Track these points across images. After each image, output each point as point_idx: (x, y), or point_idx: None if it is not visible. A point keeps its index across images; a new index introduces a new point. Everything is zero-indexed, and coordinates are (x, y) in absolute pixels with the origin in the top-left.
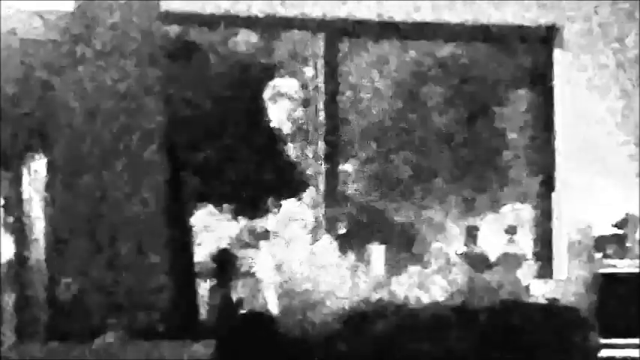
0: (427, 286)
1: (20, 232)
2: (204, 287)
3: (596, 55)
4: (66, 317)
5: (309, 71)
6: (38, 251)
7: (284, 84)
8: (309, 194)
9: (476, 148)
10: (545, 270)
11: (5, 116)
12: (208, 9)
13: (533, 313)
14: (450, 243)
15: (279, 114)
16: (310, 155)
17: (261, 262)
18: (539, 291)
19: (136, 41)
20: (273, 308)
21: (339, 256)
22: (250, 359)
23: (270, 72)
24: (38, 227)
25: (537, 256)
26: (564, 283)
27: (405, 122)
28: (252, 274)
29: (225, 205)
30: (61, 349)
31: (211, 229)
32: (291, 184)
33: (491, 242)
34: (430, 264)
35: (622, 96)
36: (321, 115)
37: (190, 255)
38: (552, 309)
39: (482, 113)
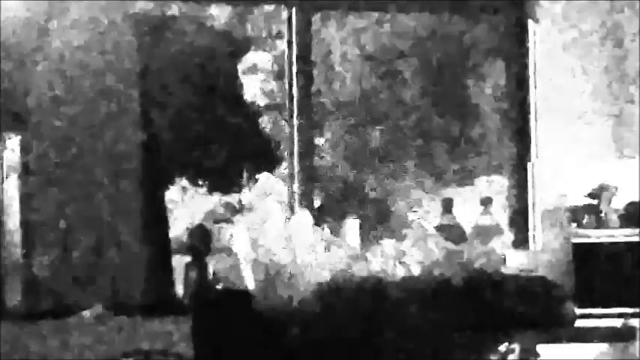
0: (403, 259)
1: None
2: (179, 263)
3: (572, 25)
4: (42, 295)
5: (282, 45)
6: (13, 229)
7: (257, 58)
8: (283, 168)
9: (450, 120)
10: (521, 241)
11: None
12: None
13: (509, 284)
14: (425, 216)
15: (253, 87)
16: (284, 129)
17: (236, 237)
18: (515, 262)
19: (110, 16)
20: (250, 283)
21: (314, 230)
22: (227, 335)
23: (243, 46)
24: (13, 205)
25: (513, 227)
26: (540, 254)
27: (378, 95)
28: (228, 250)
29: (199, 180)
30: (37, 327)
31: (186, 204)
32: (265, 157)
33: (467, 214)
34: (405, 237)
35: (598, 66)
36: (295, 89)
37: (166, 231)
38: (528, 280)
39: (456, 85)
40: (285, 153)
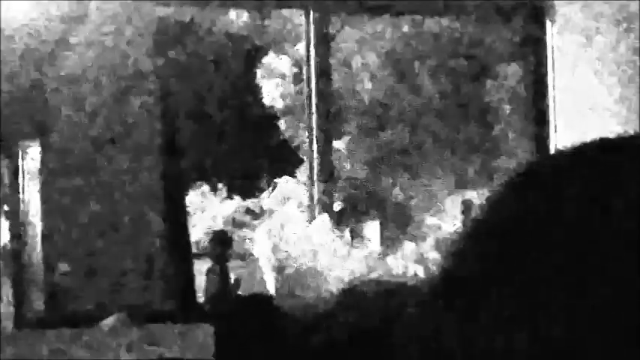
0: (424, 262)
1: (16, 219)
2: (200, 269)
3: (590, 28)
4: (63, 303)
5: (300, 48)
6: (34, 237)
7: (276, 62)
8: (303, 171)
9: (469, 122)
10: None
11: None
12: None
13: None
14: (446, 218)
15: (272, 91)
16: (303, 132)
17: (257, 241)
18: None
19: (129, 22)
20: (270, 288)
21: (334, 233)
22: (248, 340)
23: (261, 50)
24: (34, 213)
25: None
26: None
27: (397, 97)
28: (249, 254)
29: (219, 185)
30: (59, 336)
31: (206, 209)
32: (285, 161)
33: None
34: (426, 239)
35: (615, 67)
36: (313, 92)
37: (186, 236)
38: None
39: (475, 87)
40: (304, 156)
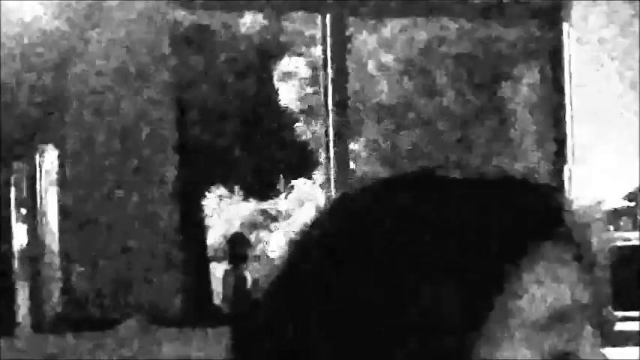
0: None
1: (34, 223)
2: (217, 271)
3: (606, 29)
4: (81, 307)
5: (317, 51)
6: (52, 241)
7: (292, 64)
8: (319, 174)
9: (485, 124)
10: None
11: (16, 109)
12: None
13: None
14: None
15: (288, 94)
16: (320, 134)
17: (274, 243)
18: None
19: (146, 28)
20: None
21: None
22: (265, 342)
23: (278, 53)
24: (51, 218)
25: None
26: None
27: (413, 99)
28: (266, 257)
29: (236, 187)
30: (76, 340)
31: (222, 211)
32: (301, 163)
33: None
34: None
35: (633, 69)
36: (330, 94)
37: (203, 239)
38: None
39: (491, 89)
40: (321, 158)
